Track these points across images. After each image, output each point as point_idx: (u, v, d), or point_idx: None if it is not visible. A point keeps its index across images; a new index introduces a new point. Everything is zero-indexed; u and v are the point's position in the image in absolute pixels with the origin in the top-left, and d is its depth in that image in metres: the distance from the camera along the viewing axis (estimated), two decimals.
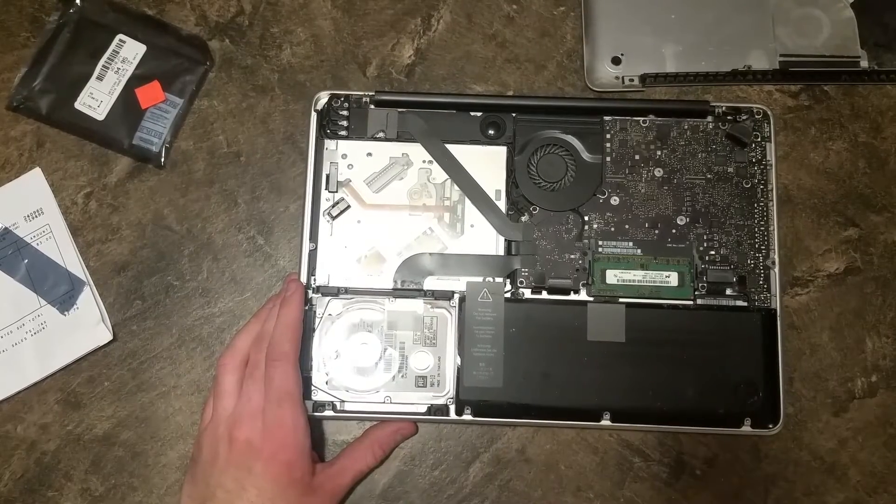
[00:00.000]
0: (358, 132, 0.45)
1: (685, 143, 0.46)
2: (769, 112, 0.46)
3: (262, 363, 0.39)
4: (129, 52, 0.47)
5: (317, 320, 0.43)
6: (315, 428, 0.44)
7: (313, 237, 0.44)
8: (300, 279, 0.43)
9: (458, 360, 0.43)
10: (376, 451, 0.42)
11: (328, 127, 0.45)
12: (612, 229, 0.45)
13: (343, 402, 0.43)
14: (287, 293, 0.41)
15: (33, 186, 0.46)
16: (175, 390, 0.45)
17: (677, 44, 0.47)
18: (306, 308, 0.43)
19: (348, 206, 0.45)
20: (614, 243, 0.45)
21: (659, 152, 0.46)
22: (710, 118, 0.46)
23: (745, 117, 0.46)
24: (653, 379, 0.43)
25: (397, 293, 0.44)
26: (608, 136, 0.46)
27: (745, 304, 0.44)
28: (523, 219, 0.45)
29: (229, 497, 0.37)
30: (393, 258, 0.44)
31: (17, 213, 0.45)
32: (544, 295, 0.44)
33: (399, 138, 0.45)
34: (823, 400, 0.44)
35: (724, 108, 0.46)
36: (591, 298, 0.44)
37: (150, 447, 0.44)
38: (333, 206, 0.44)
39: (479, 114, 0.46)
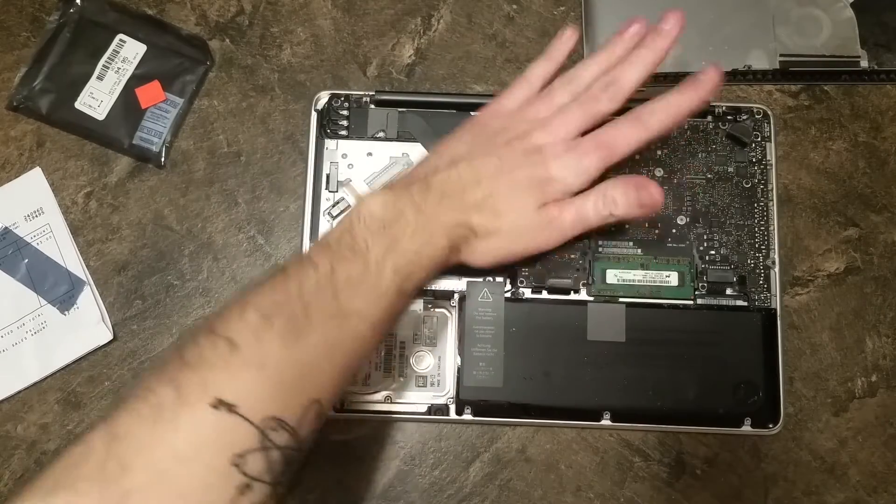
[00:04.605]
0: (358, 132, 0.46)
1: (685, 143, 0.46)
2: (769, 112, 0.46)
3: (604, 104, 0.37)
4: (129, 51, 0.47)
5: None
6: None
7: (313, 237, 0.44)
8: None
9: (459, 360, 0.43)
10: (608, 202, 0.37)
11: (328, 127, 0.45)
12: (613, 229, 0.45)
13: (343, 402, 0.43)
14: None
15: (33, 186, 0.46)
16: None
17: (677, 44, 0.47)
18: None
19: (349, 206, 0.45)
20: (614, 243, 0.45)
21: (659, 152, 0.46)
22: (710, 118, 0.46)
23: (745, 117, 0.46)
24: (653, 379, 0.43)
25: None
26: None
27: (745, 303, 0.44)
28: None
29: (483, 171, 0.37)
30: None
31: (17, 212, 0.45)
32: (544, 294, 0.44)
33: (399, 138, 0.45)
34: (823, 400, 0.44)
35: (724, 108, 0.46)
36: (592, 298, 0.44)
37: None
38: (334, 206, 0.45)
39: None
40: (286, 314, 0.30)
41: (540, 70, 0.40)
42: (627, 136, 0.37)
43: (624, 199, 0.37)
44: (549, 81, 0.40)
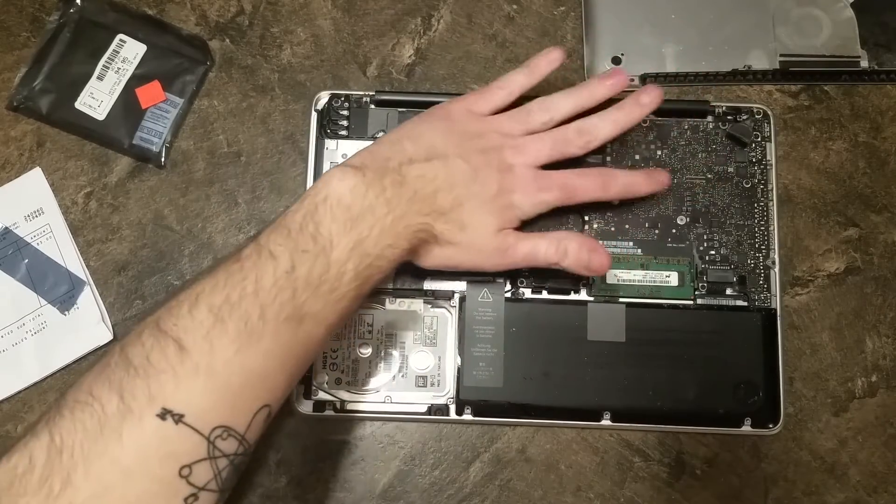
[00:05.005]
0: (358, 132, 0.46)
1: (685, 143, 0.46)
2: (769, 112, 0.46)
3: (574, 148, 0.39)
4: (129, 51, 0.47)
5: None
6: (316, 428, 0.44)
7: None
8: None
9: (459, 360, 0.43)
10: (560, 251, 0.38)
11: (328, 127, 0.45)
12: (613, 229, 0.45)
13: (344, 402, 0.43)
14: (641, 97, 0.40)
15: (33, 186, 0.46)
16: None
17: (677, 44, 0.47)
18: None
19: None
20: (614, 243, 0.45)
21: (659, 152, 0.46)
22: (710, 118, 0.46)
23: (745, 117, 0.46)
24: (653, 379, 0.43)
25: (397, 293, 0.44)
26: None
27: (746, 304, 0.44)
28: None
29: (457, 179, 0.36)
30: None
31: (17, 212, 0.45)
32: (544, 294, 0.44)
33: None
34: (823, 400, 0.44)
35: (724, 108, 0.46)
36: (592, 298, 0.44)
37: None
38: None
39: None
40: (241, 316, 0.29)
41: (519, 82, 0.41)
42: (589, 190, 0.40)
43: (575, 255, 0.38)
44: (524, 95, 0.41)
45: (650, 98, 0.40)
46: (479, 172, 0.37)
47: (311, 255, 0.31)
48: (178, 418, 0.27)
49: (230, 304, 0.29)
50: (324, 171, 0.45)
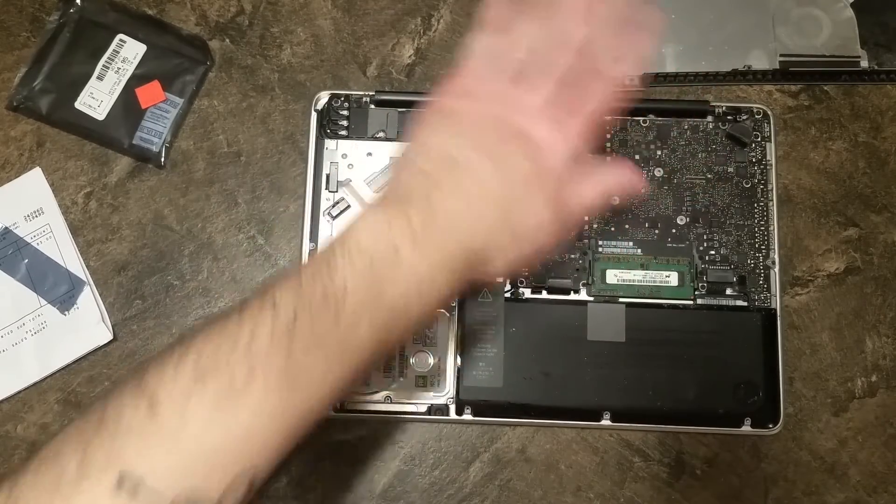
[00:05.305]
0: (358, 132, 0.46)
1: (685, 143, 0.46)
2: (769, 112, 0.46)
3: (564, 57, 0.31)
4: (129, 51, 0.47)
5: None
6: (316, 428, 0.44)
7: (313, 237, 0.44)
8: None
9: (459, 360, 0.43)
10: (607, 180, 0.32)
11: (328, 127, 0.45)
12: (613, 229, 0.45)
13: (344, 402, 0.43)
14: None
15: (33, 186, 0.46)
16: None
17: (677, 44, 0.47)
18: None
19: (348, 206, 0.45)
20: (614, 243, 0.45)
21: (659, 152, 0.46)
22: (710, 118, 0.46)
23: (745, 117, 0.46)
24: (653, 379, 0.43)
25: None
26: (608, 135, 0.46)
27: (745, 304, 0.44)
28: None
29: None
30: None
31: (17, 212, 0.45)
32: (544, 295, 0.44)
33: (399, 138, 0.45)
34: (823, 400, 0.44)
35: (724, 108, 0.46)
36: (592, 298, 0.44)
37: None
38: (333, 206, 0.45)
39: None
40: (226, 373, 0.26)
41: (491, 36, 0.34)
42: (601, 96, 0.31)
43: (620, 175, 0.33)
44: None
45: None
46: (505, 161, 0.30)
47: (317, 307, 0.28)
48: (136, 483, 0.25)
49: (216, 360, 0.27)
50: (323, 172, 0.45)
